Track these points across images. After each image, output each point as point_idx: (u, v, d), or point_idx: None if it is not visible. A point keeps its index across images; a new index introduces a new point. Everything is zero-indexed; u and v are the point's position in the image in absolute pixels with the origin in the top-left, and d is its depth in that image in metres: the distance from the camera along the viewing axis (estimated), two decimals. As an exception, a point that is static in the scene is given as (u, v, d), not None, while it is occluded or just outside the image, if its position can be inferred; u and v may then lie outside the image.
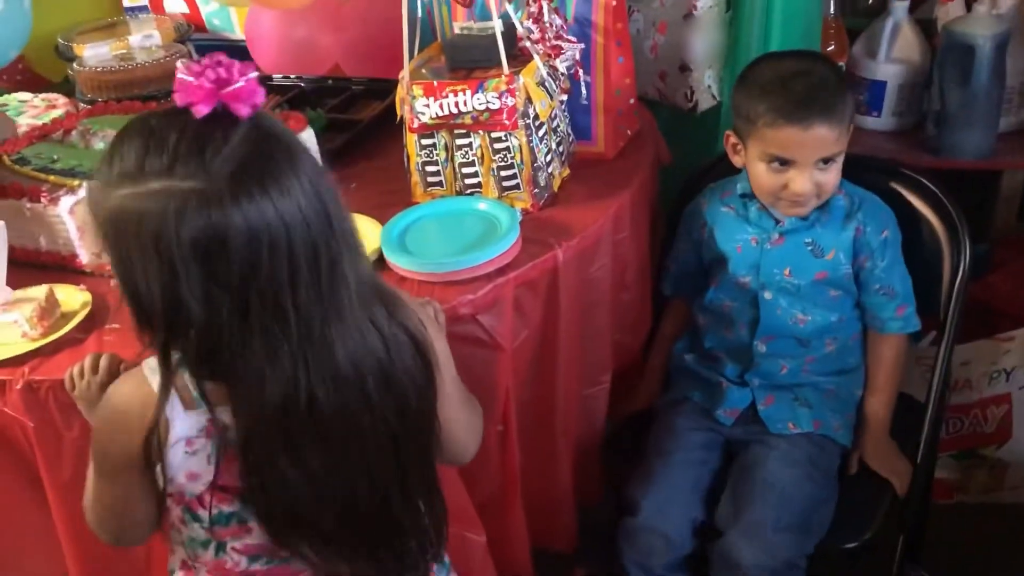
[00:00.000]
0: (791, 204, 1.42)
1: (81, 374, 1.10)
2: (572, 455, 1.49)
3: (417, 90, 1.40)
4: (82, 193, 1.35)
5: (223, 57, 0.86)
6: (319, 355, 0.92)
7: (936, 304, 1.52)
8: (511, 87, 1.36)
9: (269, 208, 0.86)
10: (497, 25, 1.37)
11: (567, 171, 1.54)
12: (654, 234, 1.65)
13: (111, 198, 0.86)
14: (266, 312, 0.88)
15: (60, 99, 1.90)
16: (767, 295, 1.48)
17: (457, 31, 1.48)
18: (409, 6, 1.41)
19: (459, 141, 1.43)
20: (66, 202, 1.35)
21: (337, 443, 0.96)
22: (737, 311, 1.52)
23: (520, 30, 1.45)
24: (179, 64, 0.86)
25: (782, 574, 1.34)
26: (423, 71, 1.45)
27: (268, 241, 0.86)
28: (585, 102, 1.56)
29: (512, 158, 1.41)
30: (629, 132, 1.65)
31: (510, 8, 1.43)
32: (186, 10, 2.23)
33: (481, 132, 1.41)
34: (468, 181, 1.46)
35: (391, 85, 1.55)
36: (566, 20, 1.52)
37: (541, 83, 1.43)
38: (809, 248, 1.46)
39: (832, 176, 1.39)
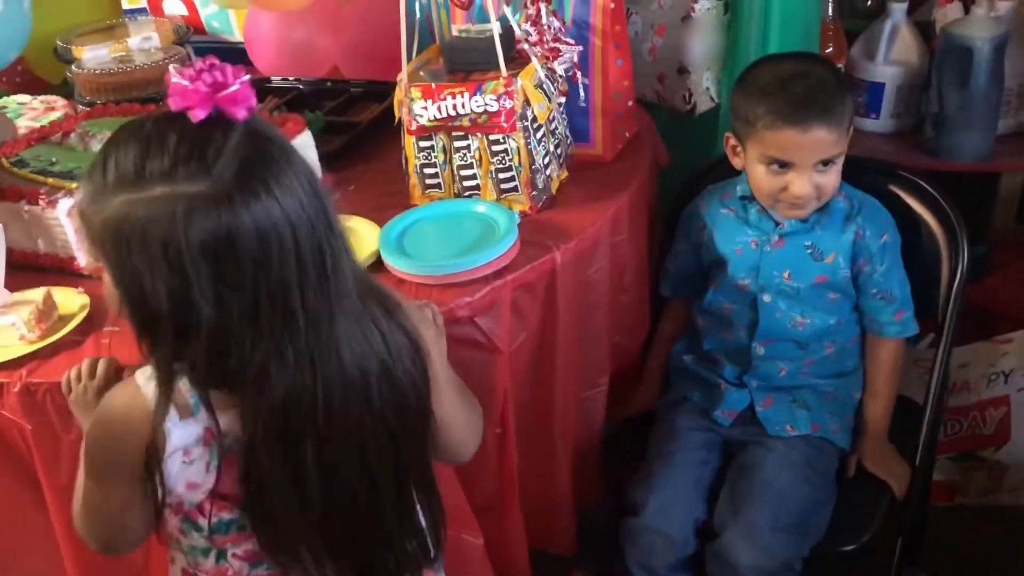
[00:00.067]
0: (790, 206, 1.42)
1: (78, 378, 1.10)
2: (570, 457, 1.49)
3: (415, 92, 1.40)
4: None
5: (215, 60, 0.87)
6: (326, 355, 0.92)
7: (934, 306, 1.52)
8: (509, 89, 1.36)
9: (275, 207, 0.86)
10: (495, 27, 1.37)
11: (565, 173, 1.54)
12: (652, 236, 1.65)
13: (109, 205, 0.86)
14: (275, 313, 0.88)
15: (59, 101, 1.90)
16: (766, 298, 1.48)
17: (455, 33, 1.48)
18: (407, 8, 1.41)
19: (457, 143, 1.43)
20: (64, 204, 1.35)
21: (340, 443, 0.96)
22: (736, 313, 1.52)
23: (518, 32, 1.45)
24: (172, 69, 0.86)
25: (778, 575, 1.34)
26: (421, 73, 1.45)
27: (276, 240, 0.86)
28: (583, 104, 1.56)
29: (510, 160, 1.41)
30: (627, 134, 1.65)
31: (508, 10, 1.43)
32: (185, 12, 2.23)
33: (479, 134, 1.41)
34: (466, 183, 1.46)
35: (389, 87, 1.55)
36: (564, 22, 1.52)
37: (539, 85, 1.43)
38: (809, 251, 1.46)
39: (831, 178, 1.39)
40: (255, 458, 0.94)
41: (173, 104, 0.85)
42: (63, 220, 1.35)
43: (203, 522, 1.00)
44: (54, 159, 1.47)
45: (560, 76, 1.49)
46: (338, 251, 0.92)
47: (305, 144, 1.51)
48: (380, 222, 1.40)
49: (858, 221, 1.44)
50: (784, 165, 1.38)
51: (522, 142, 1.40)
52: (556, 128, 1.51)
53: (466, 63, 1.43)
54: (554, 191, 1.50)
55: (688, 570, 1.43)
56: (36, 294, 1.27)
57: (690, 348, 1.61)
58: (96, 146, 1.51)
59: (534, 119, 1.42)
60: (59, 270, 1.39)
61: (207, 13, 2.22)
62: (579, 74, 1.54)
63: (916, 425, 1.49)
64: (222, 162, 0.85)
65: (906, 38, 1.87)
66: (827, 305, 1.48)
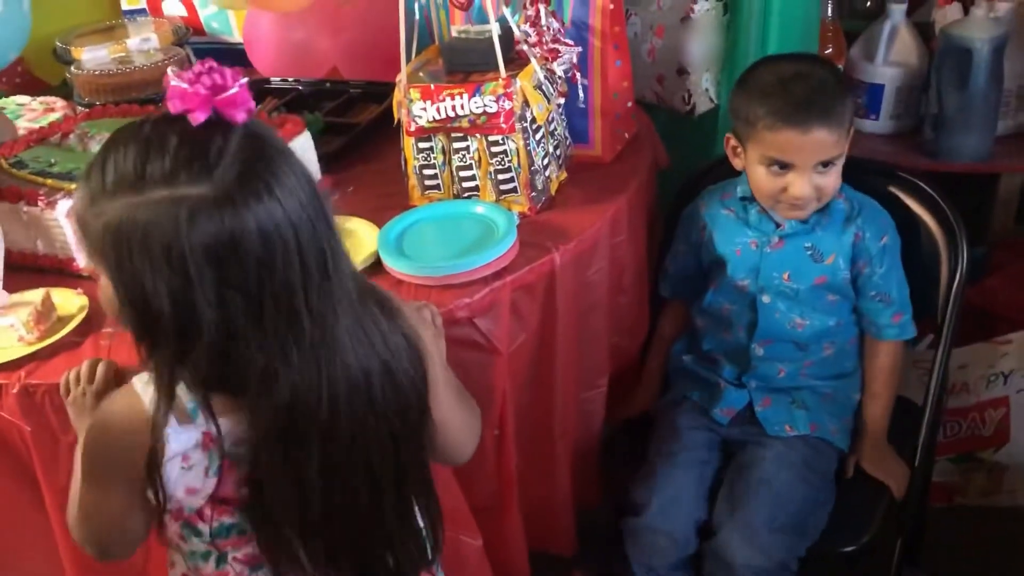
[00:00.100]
0: (791, 207, 1.42)
1: (77, 380, 1.10)
2: (570, 458, 1.49)
3: (414, 93, 1.40)
4: (79, 197, 1.35)
5: (214, 63, 0.87)
6: (331, 356, 0.92)
7: (933, 307, 1.52)
8: (508, 91, 1.36)
9: (277, 209, 0.86)
10: (494, 28, 1.37)
11: (564, 175, 1.54)
12: (651, 237, 1.65)
13: (108, 208, 0.85)
14: (280, 315, 0.88)
15: (58, 102, 1.91)
16: (765, 299, 1.48)
17: (454, 34, 1.48)
18: (407, 9, 1.41)
19: (456, 144, 1.43)
20: (63, 206, 1.35)
21: (344, 444, 0.96)
22: (735, 314, 1.52)
23: (517, 33, 1.45)
24: (170, 72, 0.86)
25: (774, 574, 1.34)
26: (420, 74, 1.45)
27: (279, 242, 0.86)
28: (582, 105, 1.56)
29: (509, 161, 1.41)
30: (626, 135, 1.65)
31: (507, 11, 1.43)
32: (184, 13, 2.23)
33: (478, 135, 1.41)
34: (465, 184, 1.46)
35: (389, 88, 1.55)
36: (563, 23, 1.52)
37: (538, 87, 1.43)
38: (809, 252, 1.45)
39: (832, 179, 1.39)
40: (262, 458, 0.94)
41: (172, 107, 0.85)
42: (62, 221, 1.35)
43: (203, 527, 1.00)
44: (53, 160, 1.47)
45: (559, 77, 1.49)
46: (338, 252, 0.93)
47: (304, 145, 1.51)
48: (379, 223, 1.40)
49: (858, 223, 1.44)
50: (784, 166, 1.38)
51: (521, 143, 1.40)
52: (555, 129, 1.51)
53: (465, 64, 1.43)
54: (553, 192, 1.50)
55: (689, 569, 1.43)
56: (35, 295, 1.27)
57: (689, 348, 1.61)
58: (95, 147, 1.50)
59: (533, 120, 1.42)
60: (58, 271, 1.39)
61: (206, 14, 2.22)
62: (578, 75, 1.54)
63: (915, 426, 1.49)
64: (223, 164, 0.85)
65: (905, 39, 1.87)
66: (826, 306, 1.48)
